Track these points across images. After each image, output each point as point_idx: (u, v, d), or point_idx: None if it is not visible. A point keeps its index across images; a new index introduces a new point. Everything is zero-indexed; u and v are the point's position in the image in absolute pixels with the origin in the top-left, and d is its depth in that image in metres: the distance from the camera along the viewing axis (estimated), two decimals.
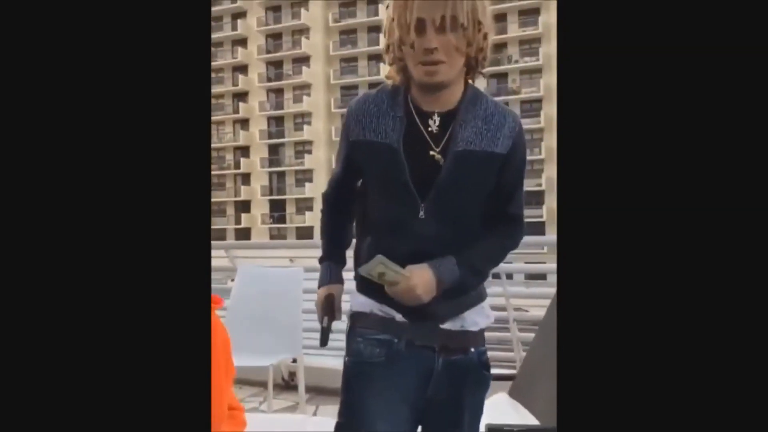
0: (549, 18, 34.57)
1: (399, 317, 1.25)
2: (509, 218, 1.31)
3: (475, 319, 1.30)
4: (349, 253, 1.39)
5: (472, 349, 1.29)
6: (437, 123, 1.22)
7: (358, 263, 1.29)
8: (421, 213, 1.21)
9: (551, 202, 33.62)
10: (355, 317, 1.29)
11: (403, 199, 1.22)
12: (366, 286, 1.26)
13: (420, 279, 1.20)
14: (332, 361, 3.52)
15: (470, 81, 1.27)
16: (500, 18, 36.25)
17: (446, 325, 1.26)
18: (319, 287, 1.37)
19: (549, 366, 1.65)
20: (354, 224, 1.39)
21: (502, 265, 1.70)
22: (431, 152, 1.21)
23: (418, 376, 1.25)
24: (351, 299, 1.31)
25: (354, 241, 1.38)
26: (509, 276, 3.59)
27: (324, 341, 1.32)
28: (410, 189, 1.21)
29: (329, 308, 1.33)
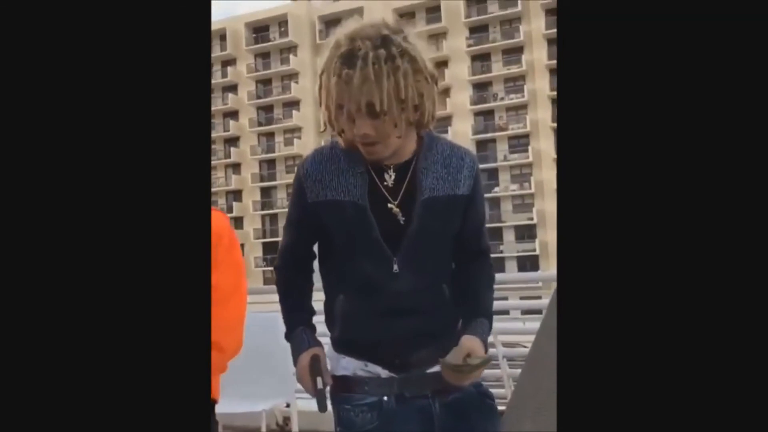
0: (532, 56, 35.40)
1: (385, 373, 1.21)
2: (481, 253, 1.32)
3: None
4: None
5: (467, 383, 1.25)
6: (393, 178, 1.21)
7: (331, 322, 1.26)
8: (395, 267, 1.18)
9: (543, 235, 33.79)
10: (338, 382, 1.25)
11: (375, 256, 1.19)
12: (345, 345, 1.24)
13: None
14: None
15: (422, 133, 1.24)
16: (485, 57, 37.18)
17: (434, 369, 1.21)
18: (297, 356, 1.27)
19: (535, 401, 1.64)
20: (312, 290, 1.33)
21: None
22: (389, 205, 1.19)
23: (419, 427, 1.21)
24: (331, 363, 1.27)
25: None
26: (504, 312, 3.58)
27: (323, 406, 1.23)
28: (381, 244, 1.18)
29: (318, 370, 1.25)
